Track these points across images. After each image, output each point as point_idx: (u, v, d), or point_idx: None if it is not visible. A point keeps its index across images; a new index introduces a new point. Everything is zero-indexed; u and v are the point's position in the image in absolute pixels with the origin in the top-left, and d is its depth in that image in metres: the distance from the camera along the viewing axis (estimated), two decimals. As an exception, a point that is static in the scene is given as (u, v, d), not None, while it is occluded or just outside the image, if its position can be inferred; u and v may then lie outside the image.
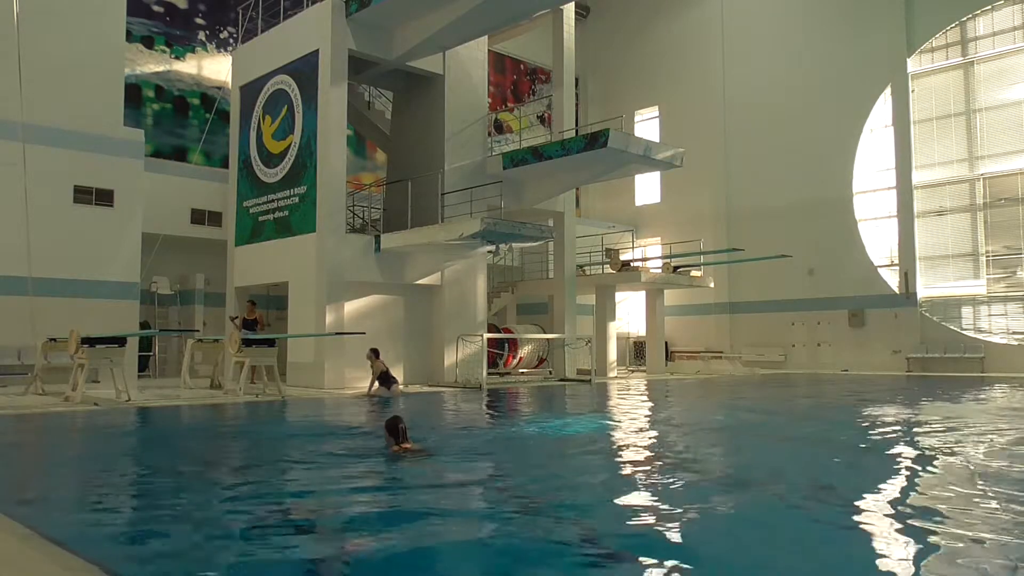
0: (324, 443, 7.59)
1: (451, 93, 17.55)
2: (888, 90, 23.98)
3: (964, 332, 22.42)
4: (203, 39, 21.56)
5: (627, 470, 6.32)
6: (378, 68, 17.19)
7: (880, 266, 23.92)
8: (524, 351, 20.17)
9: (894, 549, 3.80)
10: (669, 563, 3.57)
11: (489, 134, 19.38)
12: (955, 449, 7.15)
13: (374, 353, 13.99)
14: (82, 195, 15.88)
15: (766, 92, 26.25)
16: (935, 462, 6.51)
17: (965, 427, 8.91)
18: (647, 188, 29.30)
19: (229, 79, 19.57)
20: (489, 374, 16.52)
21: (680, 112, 28.47)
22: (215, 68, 21.47)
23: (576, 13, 22.41)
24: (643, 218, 29.05)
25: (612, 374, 20.82)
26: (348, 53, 15.88)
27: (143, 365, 17.98)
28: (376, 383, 13.69)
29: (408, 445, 6.33)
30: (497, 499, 5.10)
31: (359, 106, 19.42)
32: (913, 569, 3.47)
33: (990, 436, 8.18)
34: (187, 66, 21.16)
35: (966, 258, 22.80)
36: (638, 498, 5.14)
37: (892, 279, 23.57)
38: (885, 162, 24.05)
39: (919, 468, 6.26)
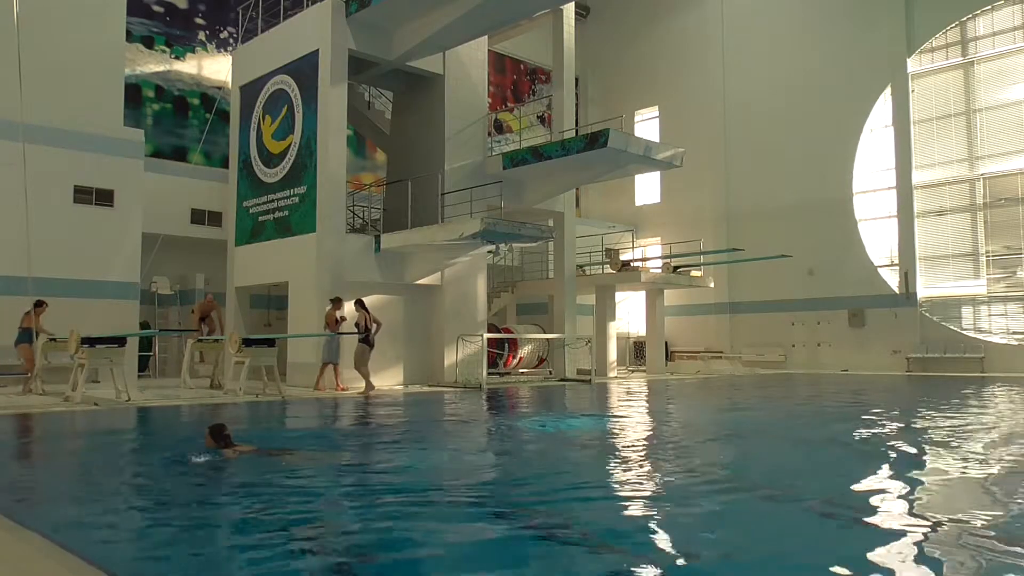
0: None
1: (451, 93, 17.56)
2: (888, 90, 23.99)
3: (964, 332, 22.42)
4: (203, 39, 21.56)
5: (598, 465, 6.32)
6: (378, 68, 17.19)
7: (880, 266, 23.92)
8: (524, 351, 20.18)
9: (894, 551, 3.80)
10: (664, 564, 3.58)
11: (489, 134, 19.38)
12: (955, 448, 7.15)
13: (335, 303, 14.21)
14: (82, 195, 15.87)
15: (766, 92, 26.25)
16: (935, 462, 6.51)
17: (966, 427, 8.91)
18: (647, 188, 29.30)
19: (229, 79, 19.58)
20: (489, 374, 16.52)
21: (680, 112, 28.47)
22: (215, 68, 21.48)
23: (576, 13, 22.43)
24: (643, 218, 29.05)
25: (612, 374, 20.83)
26: (348, 53, 15.89)
27: (143, 365, 17.98)
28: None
29: (237, 447, 6.34)
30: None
31: (359, 106, 19.41)
32: (911, 569, 3.47)
33: (990, 435, 8.18)
34: (187, 66, 21.17)
35: (966, 258, 22.80)
36: (626, 498, 5.14)
37: (892, 279, 23.57)
38: (885, 162, 24.05)
39: (919, 468, 6.25)
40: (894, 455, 6.93)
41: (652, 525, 4.33)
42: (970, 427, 8.93)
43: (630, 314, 27.31)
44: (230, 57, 20.01)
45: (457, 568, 3.58)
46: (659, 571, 3.45)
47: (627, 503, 4.93)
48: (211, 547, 3.90)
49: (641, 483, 5.66)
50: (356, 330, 14.11)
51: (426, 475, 5.98)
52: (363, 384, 14.13)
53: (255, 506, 4.65)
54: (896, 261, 23.60)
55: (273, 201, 17.02)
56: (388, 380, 15.85)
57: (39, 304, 13.21)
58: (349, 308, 14.55)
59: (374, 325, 14.28)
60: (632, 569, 3.54)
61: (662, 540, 4.02)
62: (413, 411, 11.84)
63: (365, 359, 14.15)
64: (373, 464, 6.62)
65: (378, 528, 4.21)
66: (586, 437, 8.52)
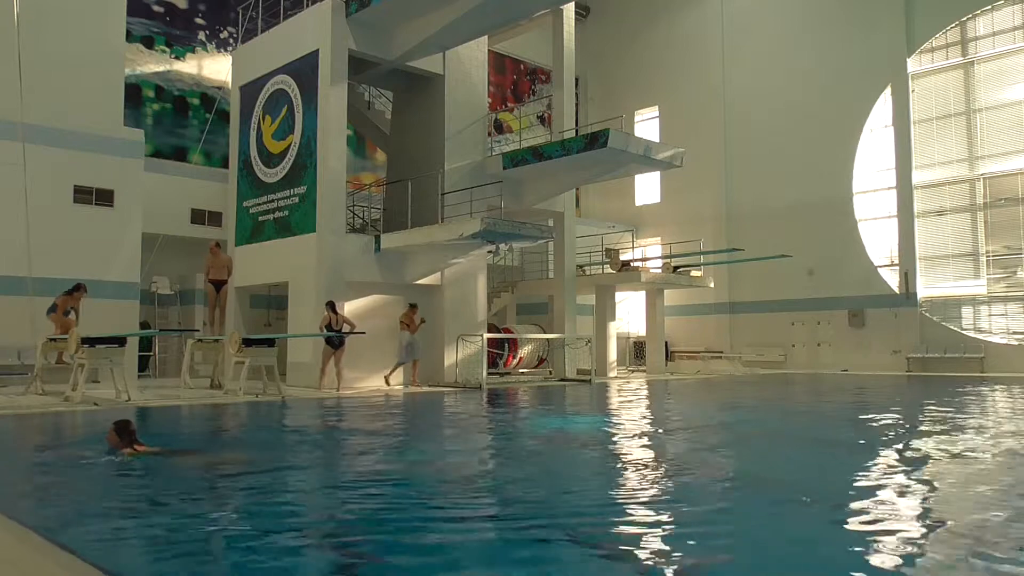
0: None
1: (451, 93, 17.56)
2: (888, 90, 23.99)
3: (964, 332, 22.42)
4: (203, 39, 21.56)
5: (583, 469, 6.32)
6: (378, 68, 17.19)
7: (880, 266, 23.92)
8: (524, 351, 20.18)
9: (893, 554, 3.80)
10: (663, 566, 3.58)
11: (489, 134, 19.38)
12: (955, 449, 7.16)
13: (412, 307, 15.52)
14: (82, 195, 15.87)
15: (766, 92, 26.26)
16: (935, 463, 6.51)
17: (966, 427, 8.90)
18: (647, 188, 29.31)
19: (229, 79, 19.57)
20: (489, 374, 16.53)
21: (680, 112, 28.47)
22: (215, 68, 21.48)
23: (576, 13, 22.42)
24: (643, 218, 29.05)
25: (612, 374, 20.83)
26: (348, 53, 15.89)
27: (143, 365, 17.98)
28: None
29: (140, 447, 6.33)
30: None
31: (359, 106, 19.42)
32: (910, 571, 3.47)
33: (990, 436, 8.18)
34: (187, 66, 21.17)
35: (966, 258, 22.80)
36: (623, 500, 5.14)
37: (892, 279, 23.57)
38: (885, 162, 24.05)
39: (920, 469, 6.25)
40: (896, 455, 6.93)
41: (669, 530, 4.33)
42: (971, 427, 8.93)
43: (630, 314, 27.31)
44: (230, 57, 20.00)
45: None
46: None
47: (641, 508, 4.92)
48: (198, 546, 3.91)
49: (654, 486, 5.65)
50: (327, 330, 14.31)
51: (415, 477, 5.98)
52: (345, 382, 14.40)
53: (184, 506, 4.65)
54: (896, 261, 23.60)
55: (273, 201, 17.02)
56: (389, 380, 15.82)
57: (77, 288, 13.78)
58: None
59: (346, 326, 14.37)
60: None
61: (683, 547, 4.02)
62: (416, 411, 11.83)
63: (327, 357, 14.47)
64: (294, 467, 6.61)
65: (380, 533, 4.21)
66: (590, 439, 8.51)
